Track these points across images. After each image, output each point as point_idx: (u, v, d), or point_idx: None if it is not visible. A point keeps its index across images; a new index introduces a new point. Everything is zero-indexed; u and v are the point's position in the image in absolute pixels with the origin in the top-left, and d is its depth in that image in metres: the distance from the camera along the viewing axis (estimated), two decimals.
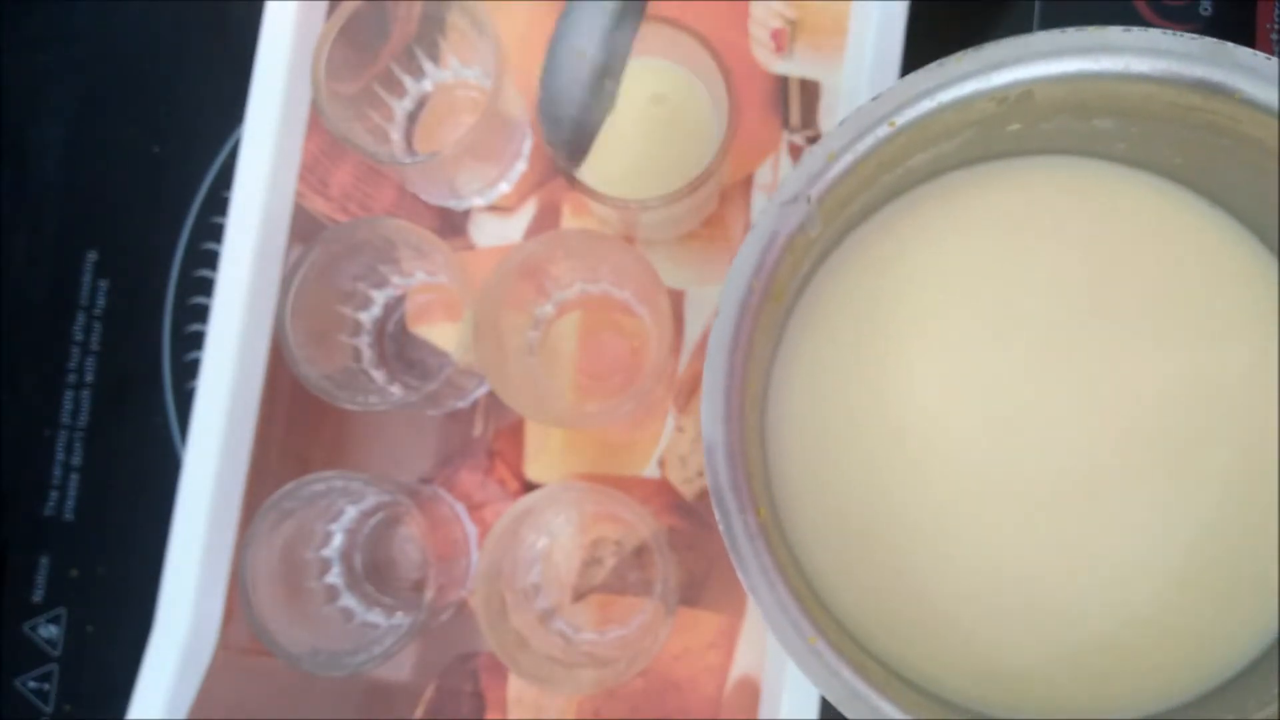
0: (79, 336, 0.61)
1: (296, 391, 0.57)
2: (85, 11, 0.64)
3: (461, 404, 0.57)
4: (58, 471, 0.60)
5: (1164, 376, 0.46)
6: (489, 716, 0.55)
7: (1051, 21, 0.43)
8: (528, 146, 0.58)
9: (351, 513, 0.55)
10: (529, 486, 0.57)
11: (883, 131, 0.41)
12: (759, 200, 0.57)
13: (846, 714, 0.40)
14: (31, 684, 0.59)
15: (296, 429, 0.58)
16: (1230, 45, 0.40)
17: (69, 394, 0.61)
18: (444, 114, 0.59)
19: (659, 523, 0.55)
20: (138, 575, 0.58)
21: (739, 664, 0.55)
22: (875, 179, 0.44)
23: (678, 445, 0.56)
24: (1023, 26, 0.58)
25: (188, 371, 0.61)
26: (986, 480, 0.46)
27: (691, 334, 0.57)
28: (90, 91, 0.63)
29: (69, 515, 0.60)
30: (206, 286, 0.61)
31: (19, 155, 0.63)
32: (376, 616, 0.55)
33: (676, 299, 0.57)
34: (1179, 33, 0.40)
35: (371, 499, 0.55)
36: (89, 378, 0.61)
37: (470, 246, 0.58)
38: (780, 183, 0.42)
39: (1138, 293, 0.46)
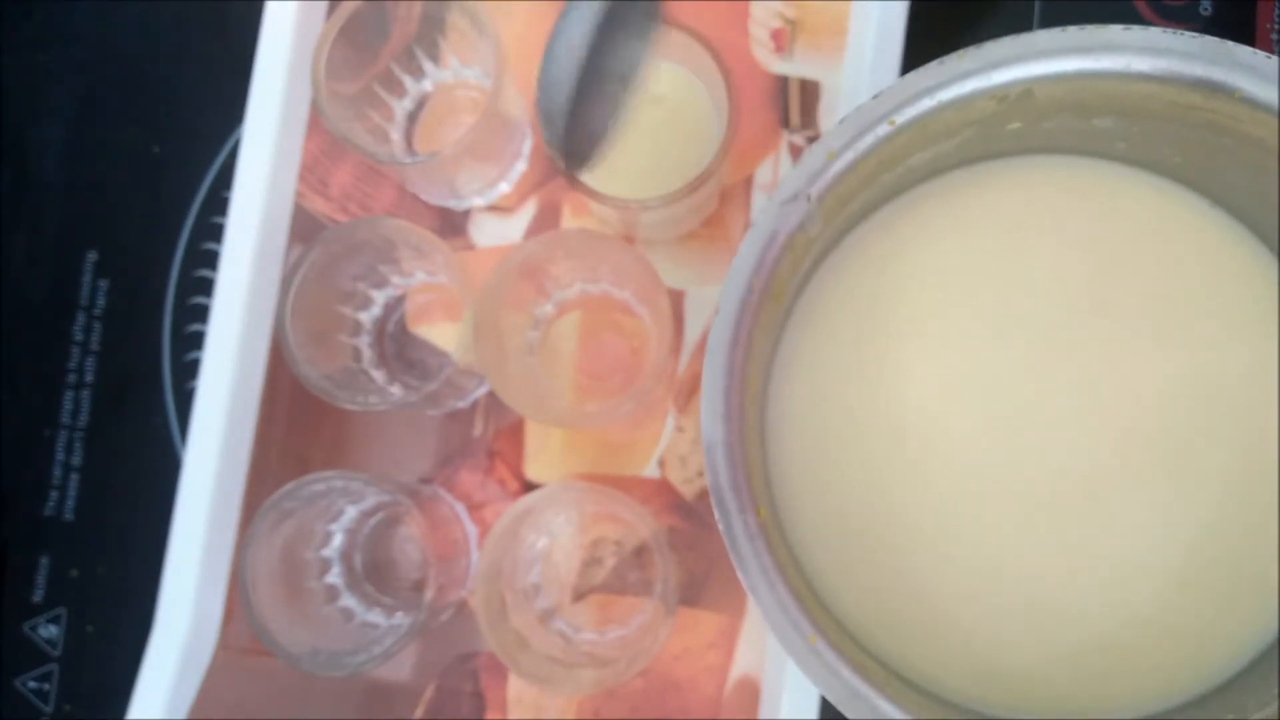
0: (79, 336, 0.61)
1: (296, 391, 0.57)
2: (85, 11, 0.63)
3: (461, 404, 0.57)
4: (58, 471, 0.60)
5: (1164, 376, 0.46)
6: (489, 716, 0.55)
7: (1051, 21, 0.43)
8: (528, 146, 0.58)
9: (351, 513, 0.55)
10: (529, 486, 0.57)
11: (883, 130, 0.41)
12: (759, 200, 0.57)
13: (846, 713, 0.40)
14: (31, 684, 0.59)
15: (296, 429, 0.58)
16: (1230, 44, 0.40)
17: (69, 394, 0.61)
18: (444, 114, 0.59)
19: (659, 523, 0.55)
20: (138, 575, 0.58)
21: (739, 664, 0.55)
22: (875, 177, 0.44)
23: (678, 445, 0.56)
24: (1022, 26, 0.58)
25: (188, 371, 0.61)
26: (986, 479, 0.46)
27: (691, 334, 0.57)
28: (90, 91, 0.63)
29: (69, 515, 0.60)
30: (206, 286, 0.60)
31: (19, 155, 0.63)
32: (376, 616, 0.55)
33: (676, 299, 0.57)
34: (1179, 32, 0.40)
35: (371, 499, 0.55)
36: (89, 378, 0.61)
37: (470, 246, 0.58)
38: (780, 181, 0.42)
39: (1137, 292, 0.46)
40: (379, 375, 0.57)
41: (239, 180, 0.58)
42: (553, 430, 0.57)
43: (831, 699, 0.40)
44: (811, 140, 0.57)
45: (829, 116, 0.57)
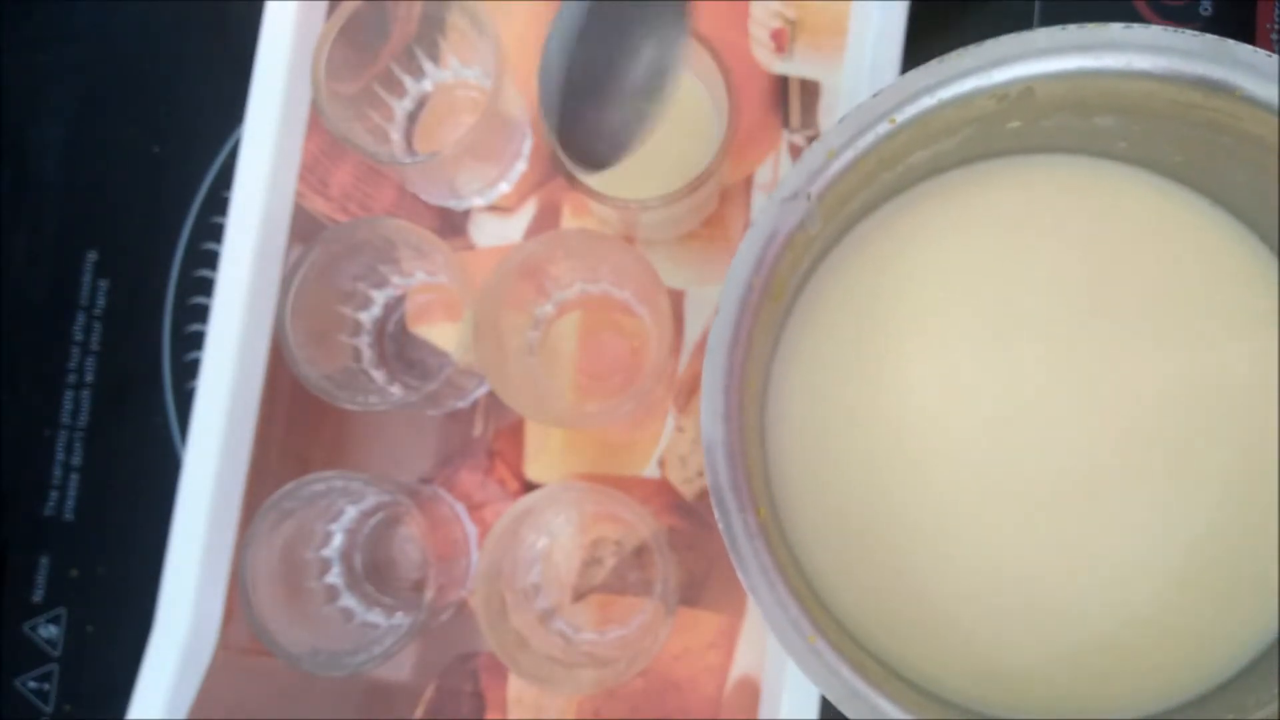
0: (79, 336, 0.61)
1: (296, 391, 0.57)
2: (85, 11, 0.64)
3: (461, 404, 0.57)
4: (58, 471, 0.60)
5: (1164, 375, 0.46)
6: (489, 716, 0.55)
7: (1051, 21, 0.43)
8: (528, 146, 0.58)
9: (351, 513, 0.55)
10: (529, 486, 0.57)
11: (883, 128, 0.41)
12: (759, 200, 0.57)
13: (846, 713, 0.40)
14: (31, 684, 0.59)
15: (296, 429, 0.58)
16: (1231, 42, 0.40)
17: (69, 394, 0.61)
18: (444, 114, 0.59)
19: (659, 523, 0.55)
20: (138, 575, 0.58)
21: (739, 664, 0.55)
22: (875, 176, 0.44)
23: (678, 445, 0.56)
24: (1022, 26, 0.58)
25: (188, 371, 0.60)
26: (986, 479, 0.46)
27: (691, 334, 0.57)
28: (90, 91, 0.63)
29: (69, 515, 0.60)
30: (206, 286, 0.60)
31: (19, 155, 0.63)
32: (376, 616, 0.55)
33: (676, 299, 0.57)
34: (1180, 30, 0.40)
35: (371, 499, 0.55)
36: (89, 378, 0.61)
37: (470, 246, 0.58)
38: (780, 180, 0.42)
39: (1138, 291, 0.46)
40: (379, 375, 0.57)
41: (239, 180, 0.58)
42: (553, 430, 0.57)
43: (831, 698, 0.40)
44: (811, 140, 0.57)
45: (829, 116, 0.57)
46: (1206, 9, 0.58)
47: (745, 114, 0.57)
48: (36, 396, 0.61)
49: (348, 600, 0.55)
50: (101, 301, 0.61)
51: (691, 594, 0.55)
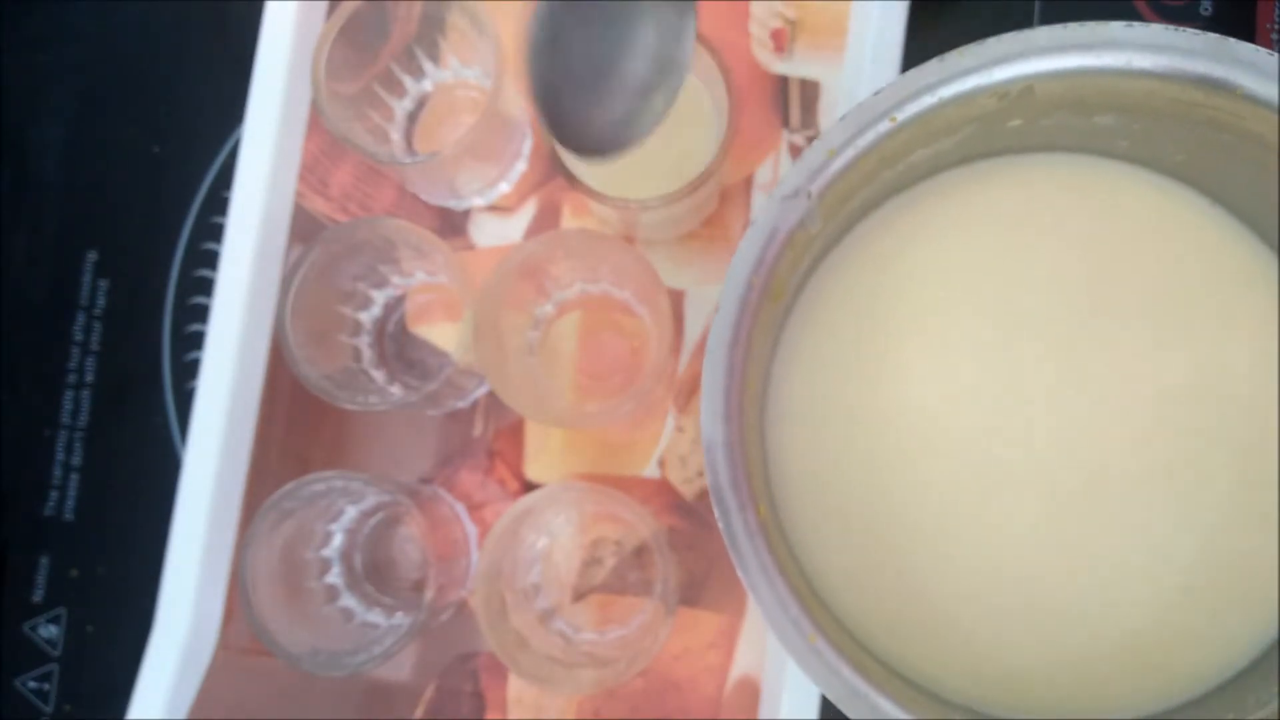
0: (79, 336, 0.61)
1: (296, 391, 0.57)
2: (85, 11, 0.63)
3: (461, 404, 0.57)
4: (58, 471, 0.60)
5: (1164, 374, 0.46)
6: (489, 716, 0.55)
7: (1051, 21, 0.43)
8: (528, 146, 0.58)
9: (351, 513, 0.55)
10: (529, 486, 0.57)
11: (884, 127, 0.41)
12: (759, 200, 0.57)
13: (847, 712, 0.40)
14: (31, 684, 0.59)
15: (296, 429, 0.58)
16: (1232, 41, 0.40)
17: (69, 394, 0.61)
18: (444, 114, 0.59)
19: (659, 523, 0.55)
20: (138, 575, 0.58)
21: (739, 664, 0.55)
22: (876, 175, 0.44)
23: (678, 445, 0.56)
24: (1022, 26, 0.58)
25: (188, 371, 0.60)
26: (986, 478, 0.46)
27: (691, 334, 0.57)
28: (90, 91, 0.63)
29: (69, 515, 0.60)
30: (206, 286, 0.60)
31: (19, 155, 0.63)
32: (376, 616, 0.55)
33: (676, 299, 0.57)
34: (1181, 28, 0.40)
35: (371, 499, 0.55)
36: (89, 378, 0.61)
37: (470, 246, 0.58)
38: (781, 178, 0.42)
39: (1138, 290, 0.46)
40: (379, 375, 0.57)
41: (239, 180, 0.58)
42: (553, 430, 0.57)
43: (832, 697, 0.40)
44: (812, 140, 0.57)
45: (829, 116, 0.57)
46: (1206, 9, 0.58)
47: (745, 114, 0.57)
48: (36, 396, 0.61)
49: (348, 600, 0.55)
50: (101, 301, 0.61)
51: (691, 594, 0.55)
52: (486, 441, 0.57)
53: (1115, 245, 0.47)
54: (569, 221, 0.58)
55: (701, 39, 0.49)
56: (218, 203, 0.61)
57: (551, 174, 0.58)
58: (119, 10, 0.63)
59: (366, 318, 0.57)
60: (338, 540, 0.55)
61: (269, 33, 0.58)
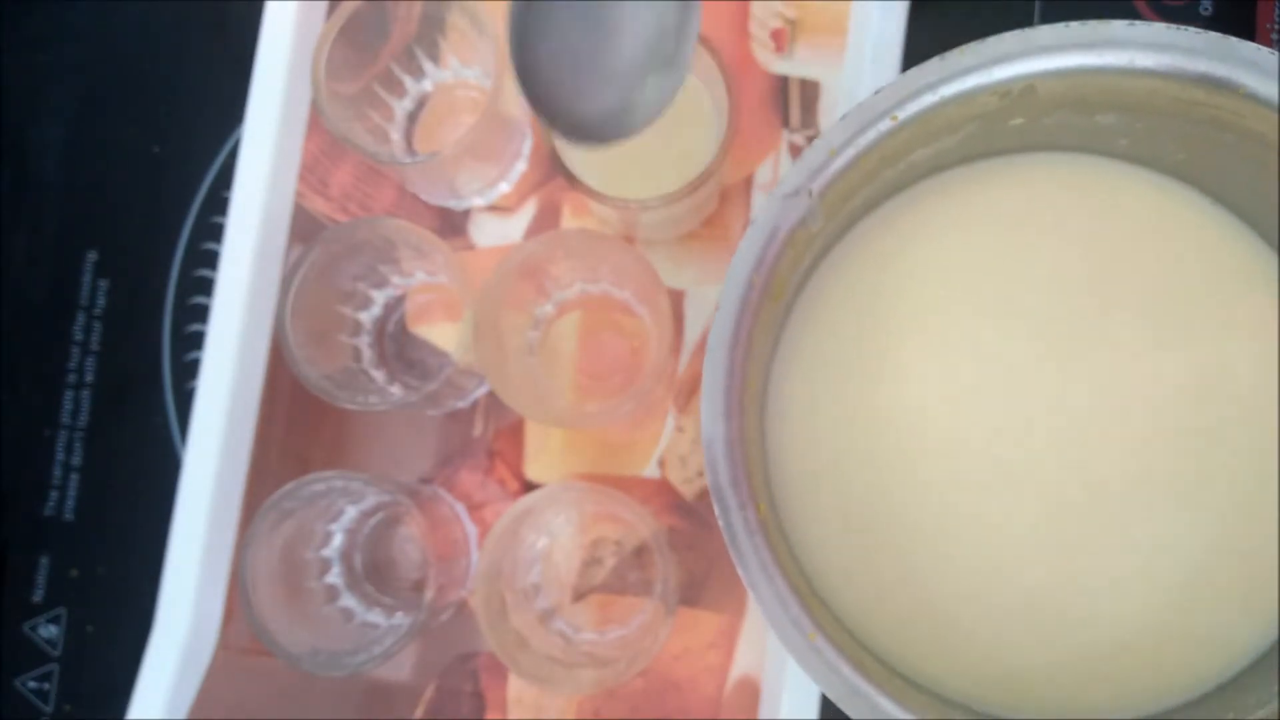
0: (79, 336, 0.61)
1: (296, 391, 0.57)
2: (85, 11, 0.63)
3: (461, 404, 0.57)
4: (58, 471, 0.60)
5: (1164, 373, 0.46)
6: (489, 716, 0.55)
7: (1051, 21, 0.43)
8: (528, 146, 0.58)
9: (351, 513, 0.55)
10: (529, 486, 0.57)
11: (885, 125, 0.41)
12: (759, 200, 0.57)
13: (847, 711, 0.40)
14: (31, 684, 0.59)
15: (296, 429, 0.58)
16: (1234, 40, 0.40)
17: (69, 394, 0.61)
18: (444, 114, 0.59)
19: (659, 523, 0.55)
20: (138, 575, 0.58)
21: (739, 664, 0.55)
22: (877, 173, 0.44)
23: (678, 445, 0.56)
24: (1023, 26, 0.58)
25: (188, 371, 0.60)
26: (986, 478, 0.46)
27: (691, 334, 0.57)
28: (90, 91, 0.63)
29: (69, 515, 0.60)
30: (206, 286, 0.60)
31: (19, 155, 0.63)
32: (376, 616, 0.55)
33: (676, 299, 0.57)
34: (1183, 27, 0.40)
35: (371, 499, 0.55)
36: (89, 378, 0.61)
37: (470, 246, 0.58)
38: (781, 177, 0.42)
39: (1138, 290, 0.46)
40: (379, 375, 0.57)
41: (239, 180, 0.58)
42: (553, 430, 0.57)
43: (832, 696, 0.40)
44: (812, 139, 0.57)
45: (829, 116, 0.57)
46: (1206, 8, 0.58)
47: (745, 114, 0.57)
48: (36, 396, 0.61)
49: (348, 600, 0.55)
50: (101, 301, 0.61)
51: (691, 594, 0.55)
52: (486, 441, 0.57)
53: (1116, 245, 0.47)
54: (569, 221, 0.58)
55: (701, 39, 0.49)
56: (218, 203, 0.61)
57: (551, 174, 0.58)
58: (119, 10, 0.63)
59: (366, 318, 0.57)
60: (338, 540, 0.55)
61: (269, 33, 0.58)
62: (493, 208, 0.58)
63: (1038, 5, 0.58)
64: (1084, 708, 0.45)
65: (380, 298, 0.57)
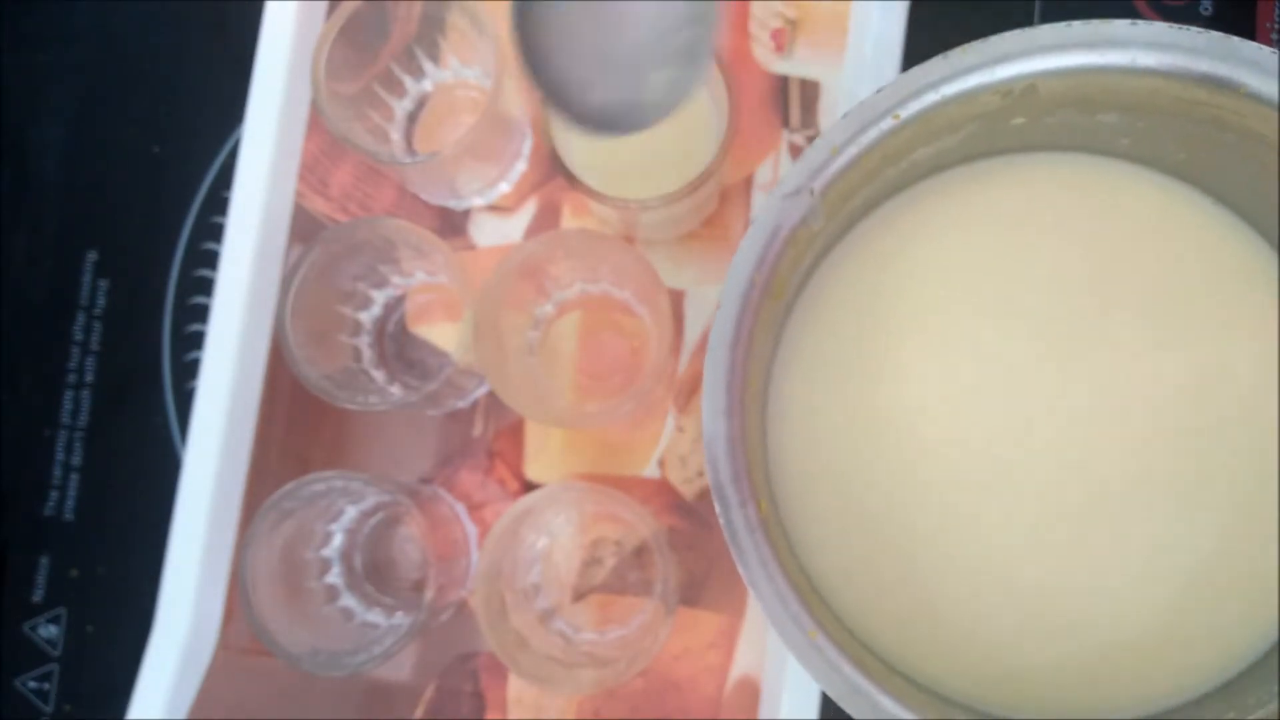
0: (79, 336, 0.61)
1: (296, 391, 0.57)
2: (85, 11, 0.63)
3: (461, 404, 0.57)
4: (58, 471, 0.60)
5: (1165, 373, 0.46)
6: (489, 716, 0.55)
7: (1052, 21, 0.43)
8: (528, 146, 0.58)
9: (351, 513, 0.55)
10: (529, 486, 0.57)
11: (887, 124, 0.41)
12: (759, 200, 0.57)
13: (847, 709, 0.40)
14: (31, 684, 0.59)
15: (296, 429, 0.58)
16: (1236, 40, 0.40)
17: (69, 394, 0.61)
18: (444, 114, 0.59)
19: (659, 523, 0.55)
20: (138, 575, 0.58)
21: (739, 664, 0.55)
22: (878, 172, 0.44)
23: (678, 445, 0.56)
24: (1023, 26, 0.58)
25: (188, 371, 0.60)
26: (986, 478, 0.46)
27: (692, 334, 0.57)
28: (90, 91, 0.63)
29: (69, 515, 0.60)
30: (206, 286, 0.60)
31: (19, 155, 0.63)
32: (376, 616, 0.55)
33: (676, 299, 0.57)
34: (1184, 27, 0.40)
35: (371, 499, 0.55)
36: (89, 378, 0.61)
37: (470, 246, 0.58)
38: (782, 176, 0.42)
39: (1139, 289, 0.46)
40: (379, 375, 0.57)
41: (239, 180, 0.58)
42: (553, 430, 0.57)
43: (832, 694, 0.40)
44: (812, 140, 0.57)
45: (829, 116, 0.57)
46: (1207, 8, 0.58)
47: (745, 114, 0.57)
48: (36, 396, 0.61)
49: (348, 600, 0.55)
50: (101, 301, 0.61)
51: (691, 594, 0.55)
52: (486, 441, 0.57)
53: (1117, 244, 0.47)
54: (569, 221, 0.58)
55: None
56: (218, 203, 0.61)
57: (551, 174, 0.58)
58: (119, 10, 0.63)
59: (366, 318, 0.57)
60: (338, 540, 0.55)
61: (269, 33, 0.58)
62: (493, 208, 0.58)
63: (1038, 5, 0.59)
64: (1084, 708, 0.45)
65: (380, 298, 0.57)
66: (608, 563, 0.56)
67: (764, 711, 0.54)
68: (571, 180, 0.49)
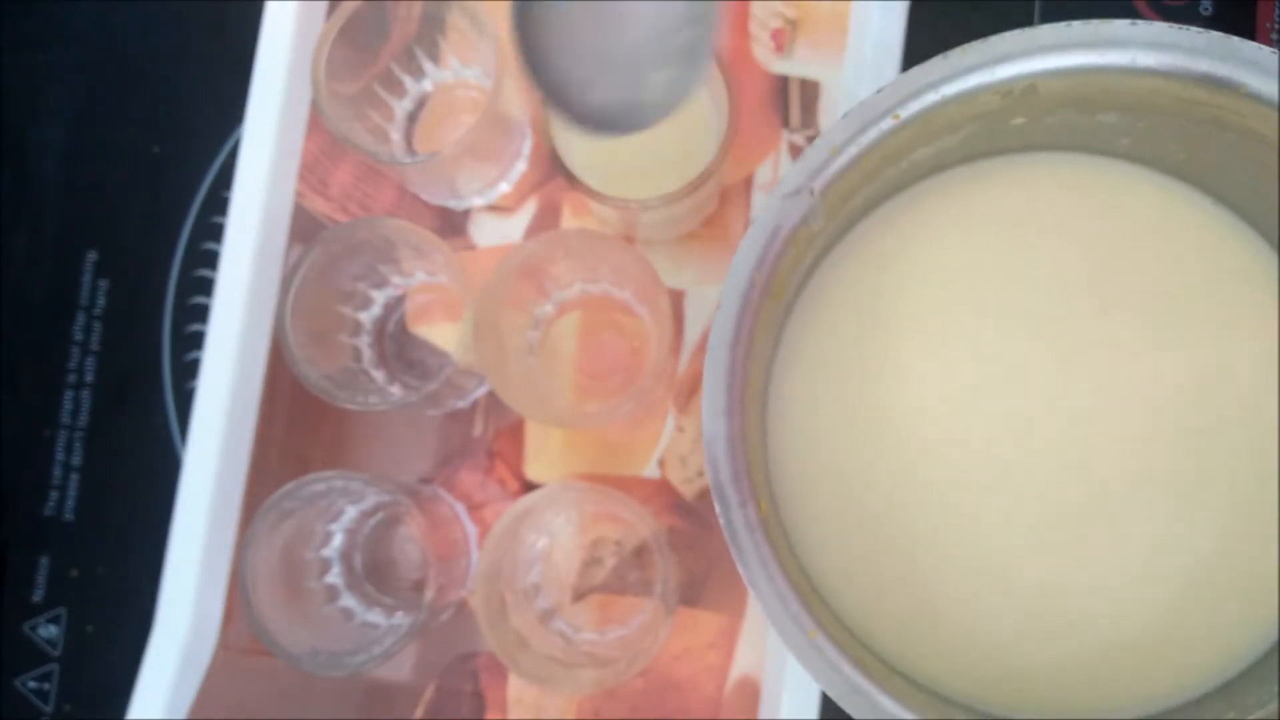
0: (79, 336, 0.61)
1: (296, 391, 0.57)
2: (85, 11, 0.63)
3: (461, 404, 0.57)
4: (58, 471, 0.60)
5: (1165, 373, 0.46)
6: (489, 716, 0.55)
7: (1051, 21, 0.43)
8: (528, 146, 0.58)
9: (351, 513, 0.55)
10: (529, 486, 0.57)
11: (887, 124, 0.41)
12: (759, 200, 0.57)
13: (847, 709, 0.40)
14: (31, 684, 0.59)
15: (296, 429, 0.58)
16: (1236, 40, 0.40)
17: (69, 394, 0.61)
18: (444, 114, 0.59)
19: (659, 523, 0.55)
20: (138, 575, 0.58)
21: (739, 664, 0.55)
22: (878, 172, 0.44)
23: (678, 445, 0.56)
24: (1023, 26, 0.58)
25: (188, 371, 0.60)
26: (986, 478, 0.46)
27: (691, 334, 0.57)
28: (90, 91, 0.63)
29: (69, 515, 0.60)
30: (206, 286, 0.60)
31: (19, 155, 0.63)
32: (376, 616, 0.55)
33: (676, 299, 0.57)
34: (1185, 27, 0.40)
35: (371, 499, 0.55)
36: (89, 378, 0.61)
37: (470, 246, 0.58)
38: (783, 176, 0.42)
39: (1139, 289, 0.46)
40: (379, 375, 0.57)
41: (239, 180, 0.58)
42: (553, 430, 0.57)
43: (832, 694, 0.40)
44: (812, 140, 0.57)
45: (829, 116, 0.57)
46: (1207, 8, 0.58)
47: (745, 114, 0.57)
48: (36, 396, 0.61)
49: (348, 600, 0.55)
50: (101, 301, 0.61)
51: (691, 594, 0.55)
52: (486, 441, 0.57)
53: (1116, 244, 0.47)
54: (569, 221, 0.58)
55: None
56: (218, 203, 0.61)
57: (551, 174, 0.58)
58: (119, 10, 0.63)
59: (366, 318, 0.57)
60: (338, 540, 0.55)
61: (269, 33, 0.58)
62: (493, 208, 0.58)
63: (1038, 5, 0.59)
64: (1084, 708, 0.45)
65: (380, 298, 0.57)
66: (608, 563, 0.56)
67: (764, 711, 0.54)
68: (571, 180, 0.49)
